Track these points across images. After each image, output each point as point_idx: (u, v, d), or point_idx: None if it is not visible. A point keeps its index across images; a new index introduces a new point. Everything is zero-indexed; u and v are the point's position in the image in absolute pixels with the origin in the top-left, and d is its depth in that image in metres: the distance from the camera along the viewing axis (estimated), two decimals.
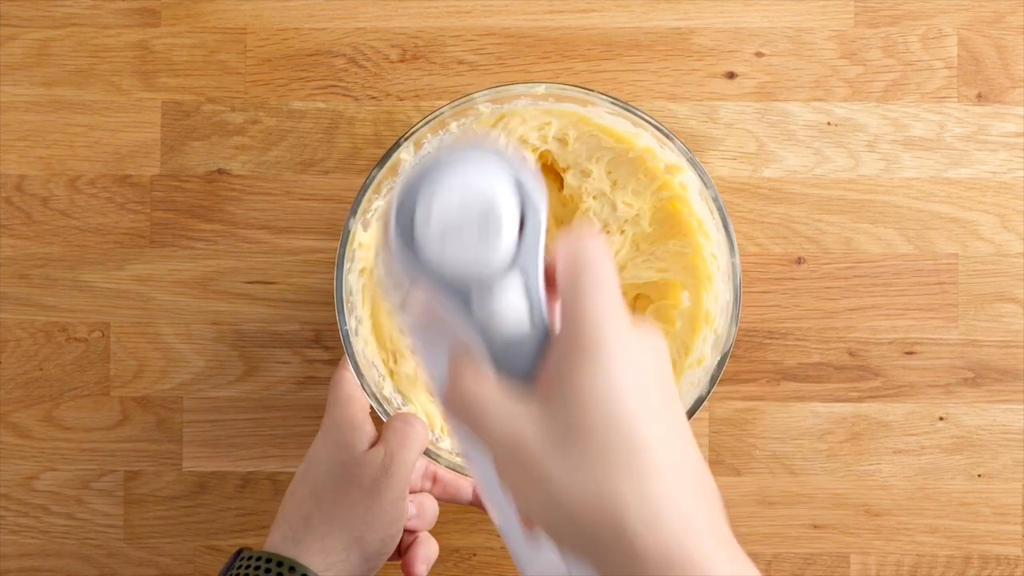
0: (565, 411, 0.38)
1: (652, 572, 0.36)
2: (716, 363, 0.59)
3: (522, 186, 0.39)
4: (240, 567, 0.54)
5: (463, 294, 0.39)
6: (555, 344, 0.39)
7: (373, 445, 0.57)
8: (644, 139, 0.60)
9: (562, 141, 0.62)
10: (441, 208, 0.39)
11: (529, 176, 0.39)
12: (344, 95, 0.69)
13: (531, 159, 0.39)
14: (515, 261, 0.39)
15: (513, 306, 0.39)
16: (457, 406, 0.40)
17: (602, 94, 0.58)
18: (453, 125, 0.60)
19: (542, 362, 0.39)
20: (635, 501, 0.37)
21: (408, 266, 0.39)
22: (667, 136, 0.58)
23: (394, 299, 0.43)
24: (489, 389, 0.39)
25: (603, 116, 0.61)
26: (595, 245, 0.40)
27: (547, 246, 0.40)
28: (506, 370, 0.39)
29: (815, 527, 0.68)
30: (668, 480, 0.37)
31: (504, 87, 0.59)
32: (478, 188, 0.39)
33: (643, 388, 0.38)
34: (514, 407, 0.39)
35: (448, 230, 0.39)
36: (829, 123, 0.68)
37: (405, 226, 0.39)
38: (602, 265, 0.39)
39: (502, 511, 0.43)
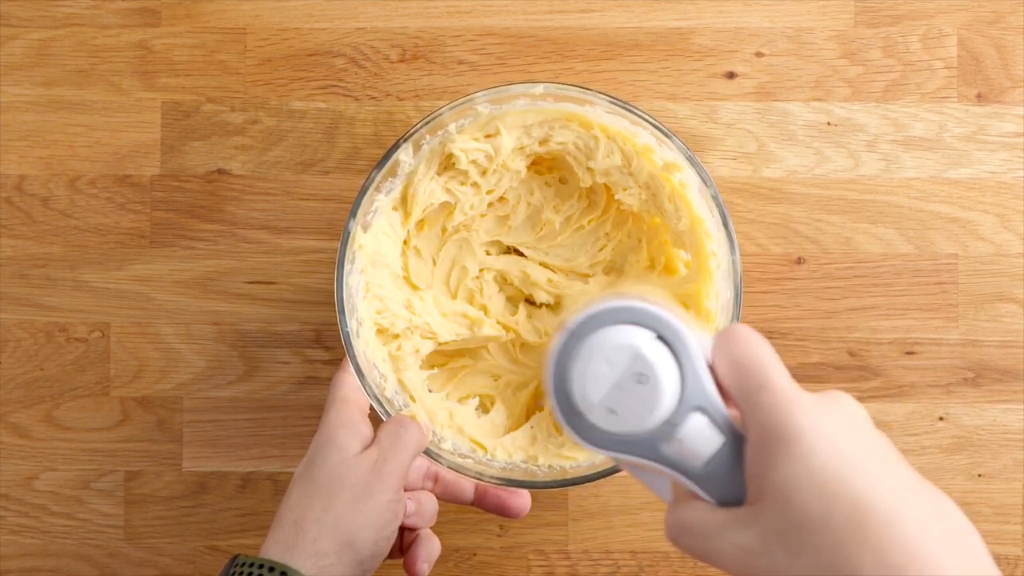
0: (779, 509, 0.38)
1: None
2: None
3: (659, 323, 0.40)
4: (234, 574, 0.54)
5: (649, 444, 0.40)
6: (749, 451, 0.39)
7: (368, 447, 0.57)
8: (643, 137, 0.61)
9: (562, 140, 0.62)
10: (595, 388, 0.40)
11: (662, 319, 0.40)
12: (344, 95, 0.69)
13: (656, 299, 0.41)
14: (684, 398, 0.40)
15: (699, 431, 0.40)
16: (681, 540, 0.41)
17: (600, 93, 0.58)
18: (452, 126, 0.60)
19: (745, 472, 0.40)
20: (873, 566, 0.36)
21: (591, 445, 0.41)
22: (665, 134, 0.58)
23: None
24: (703, 514, 0.40)
25: (601, 115, 0.61)
26: (746, 338, 0.40)
27: (704, 355, 0.41)
28: (716, 487, 0.40)
29: None
30: (902, 530, 0.36)
31: (503, 87, 0.59)
32: (621, 353, 0.40)
33: (847, 457, 0.38)
34: (731, 523, 0.39)
35: (611, 401, 0.40)
36: (829, 123, 0.68)
37: (570, 412, 0.41)
38: (760, 357, 0.40)
39: None
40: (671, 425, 0.40)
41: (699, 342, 0.41)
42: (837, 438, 0.38)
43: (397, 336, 0.63)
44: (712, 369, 0.41)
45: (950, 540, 0.37)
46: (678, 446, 0.40)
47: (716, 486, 0.40)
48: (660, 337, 0.40)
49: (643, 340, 0.40)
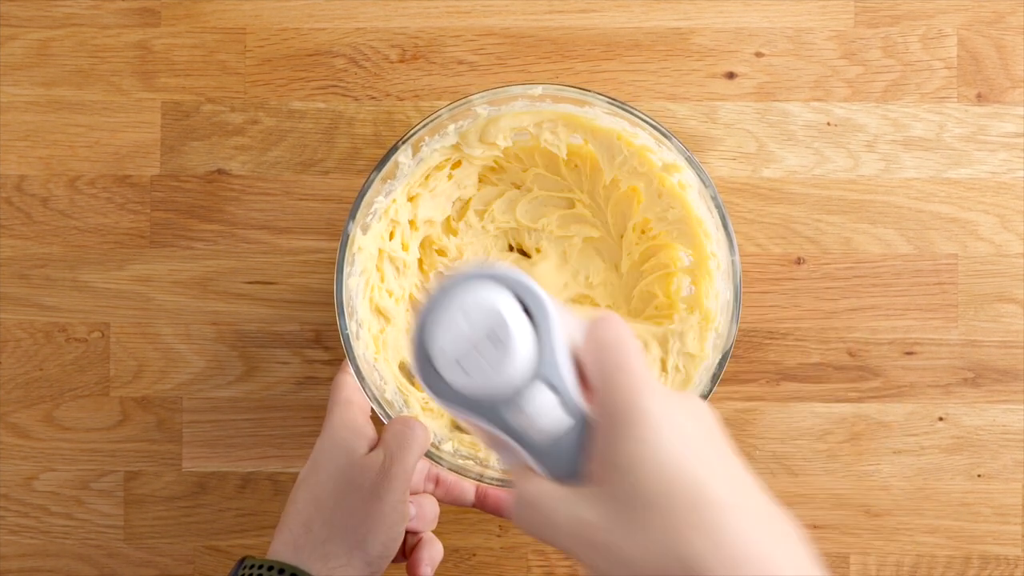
0: (621, 487, 0.38)
1: None
2: (717, 362, 0.59)
3: (525, 294, 0.41)
4: (243, 575, 0.54)
5: (495, 410, 0.41)
6: (597, 429, 0.40)
7: (373, 448, 0.57)
8: (642, 138, 0.61)
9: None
10: (449, 339, 0.40)
11: (525, 285, 0.41)
12: (344, 95, 0.69)
13: (522, 272, 0.42)
14: (539, 367, 0.40)
15: (545, 409, 0.41)
16: (523, 515, 0.41)
17: (599, 94, 0.58)
18: (451, 127, 0.60)
19: (589, 450, 0.40)
20: (710, 552, 0.37)
21: (441, 399, 0.41)
22: (664, 135, 0.58)
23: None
24: (545, 489, 0.41)
25: (600, 116, 0.61)
26: (614, 328, 0.41)
27: (570, 339, 0.41)
28: (556, 469, 0.41)
29: (815, 527, 0.68)
30: (739, 525, 0.38)
31: (501, 88, 0.59)
32: (478, 309, 0.40)
33: (691, 445, 0.39)
34: (572, 499, 0.40)
35: (462, 356, 0.40)
36: (829, 123, 0.68)
37: (426, 364, 0.41)
38: (624, 343, 0.41)
39: None
40: (519, 396, 0.40)
41: (570, 327, 0.41)
42: (683, 426, 0.39)
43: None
44: (577, 354, 0.41)
45: (781, 539, 0.38)
46: (524, 419, 0.41)
47: (556, 464, 0.41)
48: (526, 309, 0.41)
49: (506, 305, 0.40)
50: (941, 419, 0.68)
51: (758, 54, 0.68)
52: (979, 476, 0.68)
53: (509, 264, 0.41)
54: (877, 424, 0.68)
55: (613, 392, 0.40)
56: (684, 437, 0.39)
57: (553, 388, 0.41)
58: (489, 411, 0.41)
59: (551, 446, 0.41)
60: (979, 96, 0.68)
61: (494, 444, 0.43)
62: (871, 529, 0.68)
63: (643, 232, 0.64)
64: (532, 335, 0.40)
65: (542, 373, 0.40)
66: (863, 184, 0.68)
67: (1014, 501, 0.68)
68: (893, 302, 0.68)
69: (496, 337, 0.40)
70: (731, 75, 0.68)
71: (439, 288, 0.41)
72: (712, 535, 0.37)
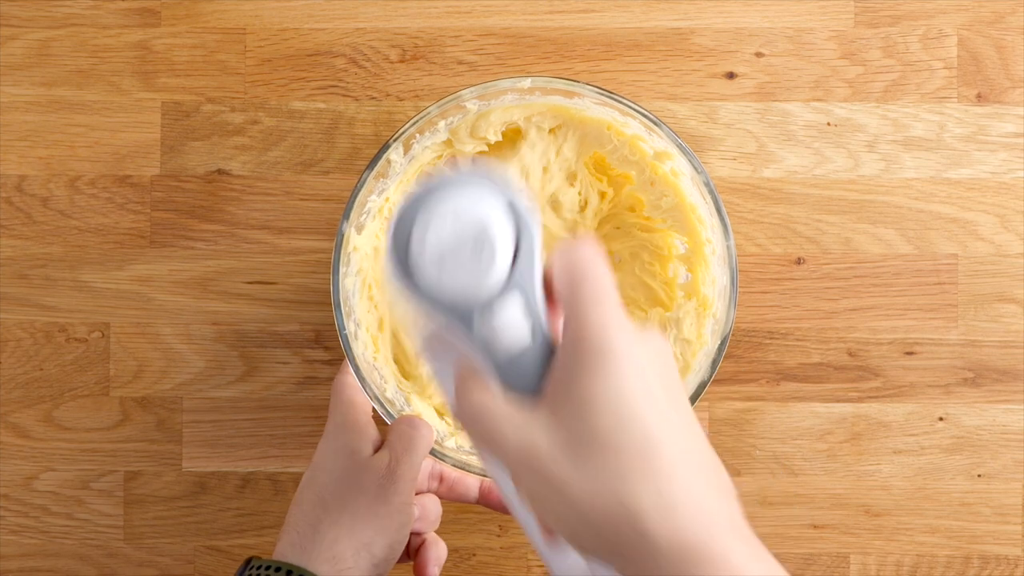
0: (575, 419, 0.38)
1: (673, 568, 0.37)
2: (716, 347, 0.59)
3: (514, 207, 0.40)
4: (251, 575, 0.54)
5: (463, 315, 0.40)
6: (560, 355, 0.40)
7: (377, 449, 0.57)
8: (632, 127, 0.61)
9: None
10: (434, 236, 0.40)
11: (520, 197, 0.40)
12: (344, 95, 0.69)
13: (520, 182, 0.41)
14: (512, 280, 0.40)
15: (513, 322, 0.40)
16: (467, 420, 0.41)
17: (588, 84, 0.58)
18: (441, 124, 0.60)
19: (547, 374, 0.40)
20: (652, 499, 0.37)
21: (408, 293, 0.41)
22: (655, 123, 0.58)
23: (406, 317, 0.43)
24: (496, 403, 0.40)
25: (590, 107, 0.61)
26: (591, 254, 0.40)
27: (544, 258, 0.41)
28: (511, 384, 0.40)
29: (815, 527, 0.68)
30: (684, 476, 0.38)
31: (490, 83, 0.59)
32: (469, 213, 0.40)
33: (650, 390, 0.39)
34: (523, 418, 0.39)
35: (443, 257, 0.40)
36: (829, 123, 0.68)
37: (401, 256, 0.40)
38: (600, 273, 0.40)
39: (524, 518, 0.44)
40: (487, 306, 0.40)
41: (540, 240, 0.41)
42: (644, 368, 0.39)
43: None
44: (546, 272, 0.41)
45: (717, 492, 0.39)
46: (488, 329, 0.40)
47: (513, 378, 0.40)
48: (511, 212, 0.40)
49: (496, 214, 0.40)
50: (941, 419, 0.68)
51: (758, 54, 0.68)
52: (979, 476, 0.68)
53: (503, 169, 0.40)
54: (877, 424, 0.68)
55: (582, 323, 0.39)
56: (644, 379, 0.39)
57: (524, 303, 0.40)
58: (452, 312, 0.40)
59: (512, 359, 0.40)
60: (979, 96, 0.68)
61: (431, 347, 0.43)
62: (871, 529, 0.68)
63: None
64: (513, 248, 0.40)
65: (516, 287, 0.40)
66: (863, 184, 0.68)
67: (1014, 501, 0.68)
68: (893, 302, 0.68)
69: (480, 245, 0.40)
70: (731, 75, 0.68)
71: (434, 183, 0.40)
72: (657, 484, 0.37)
